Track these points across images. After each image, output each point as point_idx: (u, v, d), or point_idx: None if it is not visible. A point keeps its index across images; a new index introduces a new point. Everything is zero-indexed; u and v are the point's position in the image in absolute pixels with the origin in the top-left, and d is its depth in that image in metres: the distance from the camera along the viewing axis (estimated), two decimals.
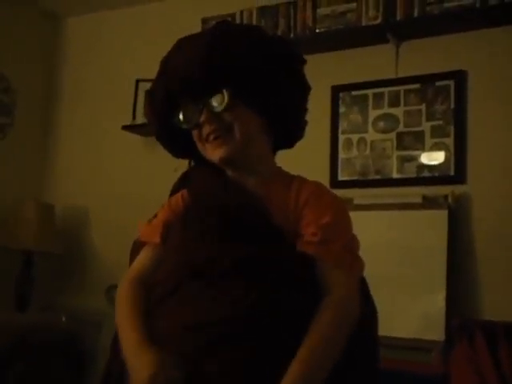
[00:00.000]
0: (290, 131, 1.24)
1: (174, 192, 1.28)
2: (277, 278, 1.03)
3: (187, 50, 1.15)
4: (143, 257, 1.19)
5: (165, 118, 1.18)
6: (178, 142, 1.22)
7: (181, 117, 1.15)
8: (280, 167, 1.25)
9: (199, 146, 1.17)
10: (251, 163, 1.17)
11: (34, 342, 2.62)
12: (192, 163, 1.33)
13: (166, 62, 1.19)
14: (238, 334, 0.98)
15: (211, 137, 1.13)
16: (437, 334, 2.44)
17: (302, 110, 1.23)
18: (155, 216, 1.25)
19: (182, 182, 1.28)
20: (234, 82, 1.11)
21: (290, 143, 1.28)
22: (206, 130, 1.13)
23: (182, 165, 3.60)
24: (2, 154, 3.57)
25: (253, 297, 1.00)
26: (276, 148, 1.25)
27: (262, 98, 1.14)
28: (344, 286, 1.07)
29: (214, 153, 1.14)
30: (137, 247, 1.25)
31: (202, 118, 1.13)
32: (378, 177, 2.89)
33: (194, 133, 1.17)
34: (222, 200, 1.14)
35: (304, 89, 1.22)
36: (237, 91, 1.11)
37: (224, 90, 1.10)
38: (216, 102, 1.11)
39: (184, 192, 1.22)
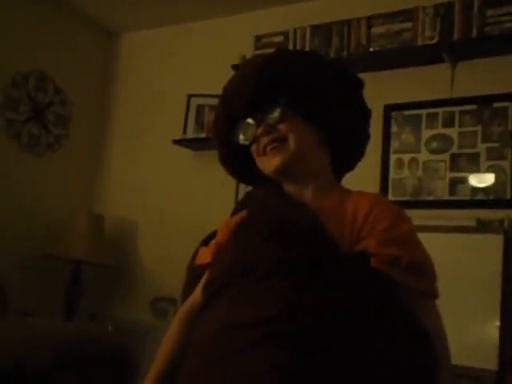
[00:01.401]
0: (346, 151, 1.24)
1: (235, 212, 1.29)
2: (321, 279, 1.01)
3: (244, 70, 1.21)
4: (198, 290, 1.19)
5: (226, 138, 1.23)
6: (241, 165, 1.26)
7: (240, 134, 1.19)
8: (339, 183, 1.25)
9: (258, 161, 1.20)
10: (307, 175, 1.18)
11: (80, 351, 2.65)
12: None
13: (226, 84, 1.24)
14: (280, 333, 0.95)
15: (268, 148, 1.16)
16: (490, 362, 2.35)
17: (361, 131, 1.24)
18: (210, 236, 1.27)
19: (243, 202, 1.29)
20: (289, 95, 1.15)
21: (349, 165, 1.28)
22: (264, 141, 1.16)
23: (231, 179, 3.59)
24: (57, 164, 3.67)
25: (295, 296, 0.98)
26: (337, 169, 1.25)
27: (316, 111, 1.16)
28: (440, 324, 1.07)
29: (270, 163, 1.17)
30: (192, 271, 1.27)
31: (259, 131, 1.16)
32: (429, 198, 2.83)
33: (253, 148, 1.19)
34: (276, 212, 1.14)
35: (362, 110, 1.23)
36: (292, 103, 1.14)
37: (277, 103, 1.14)
38: (270, 115, 1.15)
39: (243, 212, 1.22)
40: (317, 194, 1.16)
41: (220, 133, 1.25)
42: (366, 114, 1.24)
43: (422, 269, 1.06)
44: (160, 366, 1.16)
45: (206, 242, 1.28)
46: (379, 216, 1.08)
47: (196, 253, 1.29)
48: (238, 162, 1.26)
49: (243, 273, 1.05)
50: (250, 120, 1.17)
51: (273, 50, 2.42)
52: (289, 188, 1.20)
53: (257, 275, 1.03)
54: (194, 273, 1.25)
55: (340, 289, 1.00)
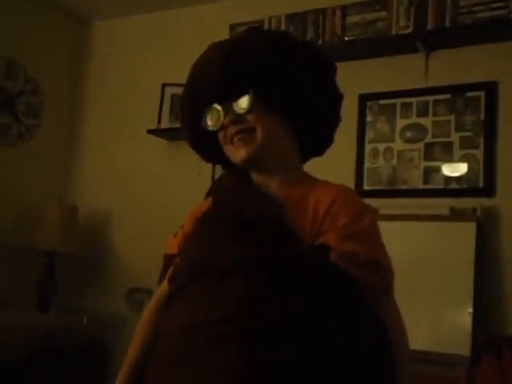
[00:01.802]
0: (316, 137, 1.23)
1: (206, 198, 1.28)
2: (279, 278, 1.00)
3: (210, 54, 1.17)
4: (165, 281, 1.19)
5: (193, 123, 1.20)
6: (209, 147, 1.24)
7: (208, 120, 1.17)
8: (306, 172, 1.23)
9: (225, 148, 1.19)
10: (274, 165, 1.17)
11: (55, 343, 2.62)
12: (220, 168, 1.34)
13: (193, 68, 1.21)
14: (235, 333, 0.95)
15: (235, 138, 1.15)
16: (463, 348, 2.38)
17: (331, 117, 1.22)
18: (182, 226, 1.26)
19: (212, 190, 1.28)
20: (258, 84, 1.12)
21: (318, 150, 1.27)
22: (231, 131, 1.15)
23: (206, 169, 3.60)
24: (29, 155, 3.61)
25: (252, 296, 0.98)
26: (305, 154, 1.24)
27: (286, 101, 1.14)
28: (398, 319, 1.08)
29: (237, 154, 1.16)
30: (166, 261, 1.26)
31: (226, 120, 1.14)
32: (404, 187, 2.85)
33: (220, 135, 1.18)
34: (240, 203, 1.14)
35: (333, 96, 1.21)
36: (261, 94, 1.12)
37: (247, 93, 1.12)
38: (240, 104, 1.13)
39: (209, 200, 1.21)
40: (283, 184, 1.16)
41: (186, 116, 1.23)
42: (337, 98, 1.21)
43: (379, 265, 1.06)
44: (133, 355, 1.17)
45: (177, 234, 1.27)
46: (340, 210, 1.08)
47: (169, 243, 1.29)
48: (206, 145, 1.24)
49: (204, 271, 1.05)
50: (217, 106, 1.14)
51: None
52: (255, 177, 1.19)
53: (217, 274, 1.02)
54: (165, 262, 1.25)
55: (297, 287, 0.99)
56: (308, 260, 1.03)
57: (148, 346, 1.14)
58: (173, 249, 1.21)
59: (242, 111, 1.12)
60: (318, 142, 1.24)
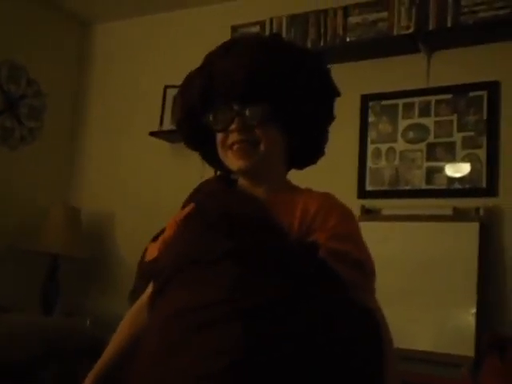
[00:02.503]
0: (307, 154, 1.26)
1: (184, 206, 1.28)
2: (265, 266, 1.03)
3: (238, 55, 1.15)
4: (148, 289, 1.20)
5: (194, 113, 1.19)
6: (198, 137, 1.24)
7: (211, 117, 1.16)
8: (289, 180, 1.26)
9: (220, 150, 1.18)
10: (265, 174, 1.19)
11: (59, 345, 2.63)
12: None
13: (212, 60, 1.19)
14: (220, 317, 0.97)
15: (235, 146, 1.15)
16: (467, 348, 2.38)
17: (325, 133, 1.25)
18: (161, 232, 1.27)
19: (194, 195, 1.28)
20: (274, 97, 1.13)
21: (302, 164, 1.29)
22: (234, 137, 1.14)
23: (209, 172, 3.59)
24: (32, 157, 3.61)
25: (244, 277, 1.00)
26: (293, 163, 1.26)
27: (294, 118, 1.16)
28: (380, 315, 1.10)
29: (234, 162, 1.16)
30: (143, 267, 1.28)
31: (233, 126, 1.13)
32: (407, 187, 2.85)
33: (219, 136, 1.17)
34: (223, 205, 1.15)
35: (330, 117, 1.24)
36: (274, 110, 1.13)
37: (263, 104, 1.12)
38: (251, 114, 1.12)
39: (192, 205, 1.22)
40: (269, 190, 1.18)
41: (189, 103, 1.20)
42: (332, 120, 1.24)
43: (364, 266, 1.11)
44: (107, 357, 1.20)
45: (155, 239, 1.27)
46: (328, 213, 1.12)
47: (146, 250, 1.28)
48: (197, 137, 1.24)
49: (190, 261, 1.07)
50: (227, 107, 1.13)
51: None
52: (242, 181, 1.21)
53: (204, 263, 1.05)
54: (142, 269, 1.26)
55: (285, 275, 1.02)
56: (297, 252, 1.06)
57: (124, 348, 1.17)
58: (152, 254, 1.22)
59: (253, 122, 1.13)
60: (310, 152, 1.26)
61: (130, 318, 1.22)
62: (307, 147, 1.23)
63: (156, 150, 3.55)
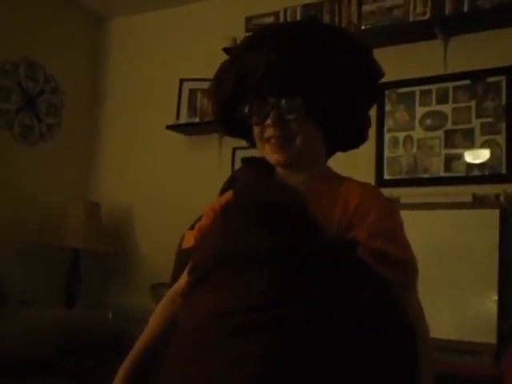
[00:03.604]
0: (348, 141, 1.23)
1: (221, 193, 1.28)
2: (303, 268, 1.01)
3: (272, 45, 1.11)
4: (184, 275, 1.20)
5: (229, 104, 1.18)
6: (236, 128, 1.23)
7: (246, 110, 1.14)
8: (331, 168, 1.23)
9: (258, 142, 1.17)
10: (304, 164, 1.17)
11: (82, 338, 2.66)
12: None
13: (245, 50, 1.16)
14: (262, 322, 0.95)
15: (272, 140, 1.13)
16: (489, 336, 2.36)
17: (367, 122, 1.22)
18: (199, 219, 1.26)
19: (229, 184, 1.28)
20: (309, 93, 1.10)
21: (345, 148, 1.26)
22: (269, 132, 1.13)
23: (226, 164, 3.59)
24: (51, 153, 3.65)
25: (278, 286, 0.98)
26: (331, 149, 1.24)
27: (330, 112, 1.13)
28: (421, 314, 1.08)
29: (272, 155, 1.15)
30: (180, 255, 1.27)
31: (269, 121, 1.12)
32: (425, 175, 2.83)
33: (256, 129, 1.16)
34: (262, 196, 1.14)
35: (371, 99, 1.21)
36: (310, 103, 1.10)
37: (297, 98, 1.09)
38: (286, 108, 1.10)
39: (229, 194, 1.21)
40: (308, 178, 1.16)
41: (223, 96, 1.19)
42: (374, 103, 1.22)
43: (407, 264, 1.08)
44: (141, 346, 1.18)
45: (193, 226, 1.27)
46: (371, 207, 1.09)
47: (183, 237, 1.28)
48: (235, 126, 1.22)
49: (227, 260, 1.05)
50: (262, 100, 1.11)
51: None
52: (280, 170, 1.19)
53: (240, 263, 1.03)
54: (180, 257, 1.25)
55: (323, 277, 1.00)
56: (334, 252, 1.04)
57: (158, 339, 1.16)
58: (189, 242, 1.21)
59: (289, 117, 1.10)
60: (349, 139, 1.23)
61: (165, 304, 1.21)
62: (347, 133, 1.20)
63: (173, 144, 3.57)
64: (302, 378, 0.91)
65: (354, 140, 1.23)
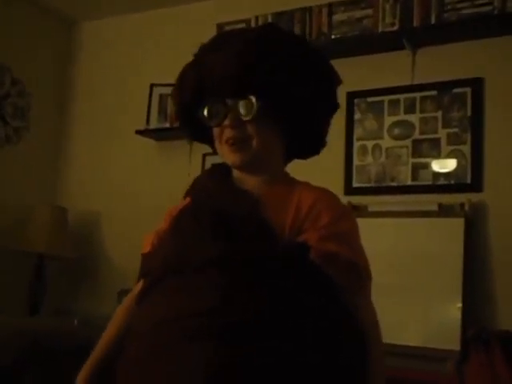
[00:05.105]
0: (307, 147, 1.24)
1: (184, 198, 1.29)
2: (254, 274, 1.01)
3: (229, 47, 1.13)
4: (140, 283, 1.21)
5: (190, 108, 1.19)
6: (198, 132, 1.24)
7: (205, 113, 1.15)
8: (287, 173, 1.24)
9: (217, 143, 1.19)
10: (260, 168, 1.18)
11: (46, 346, 2.61)
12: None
13: (203, 53, 1.18)
14: (205, 329, 0.96)
15: (230, 141, 1.15)
16: (452, 343, 2.40)
17: (326, 129, 1.23)
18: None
19: (191, 189, 1.28)
20: (267, 94, 1.11)
21: (304, 155, 1.27)
22: (227, 133, 1.14)
23: (196, 169, 3.58)
24: (17, 157, 3.59)
25: (228, 291, 0.99)
26: (290, 155, 1.25)
27: (288, 115, 1.14)
28: (374, 320, 1.10)
29: (229, 156, 1.16)
30: (142, 260, 1.27)
31: (226, 122, 1.13)
32: (393, 184, 2.87)
33: (215, 130, 1.17)
34: (216, 202, 1.15)
35: (333, 110, 1.22)
36: (267, 104, 1.11)
37: (254, 99, 1.10)
38: (243, 109, 1.11)
39: (188, 199, 1.23)
40: (264, 182, 1.16)
41: (183, 100, 1.20)
42: (334, 109, 1.22)
43: (358, 267, 1.08)
44: (99, 352, 1.19)
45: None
46: (323, 210, 1.09)
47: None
48: (197, 130, 1.23)
49: (179, 265, 1.06)
50: (220, 103, 1.13)
51: None
52: (237, 173, 1.20)
53: (190, 270, 1.04)
54: (141, 262, 1.26)
55: (272, 283, 1.00)
56: (284, 256, 1.04)
57: (117, 344, 1.17)
58: (146, 247, 1.22)
59: (245, 118, 1.11)
60: (308, 145, 1.24)
61: (123, 310, 1.22)
62: (307, 138, 1.21)
63: (143, 149, 3.55)
64: None
65: (312, 145, 1.24)
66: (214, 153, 1.25)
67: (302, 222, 1.08)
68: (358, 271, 1.08)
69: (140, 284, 1.17)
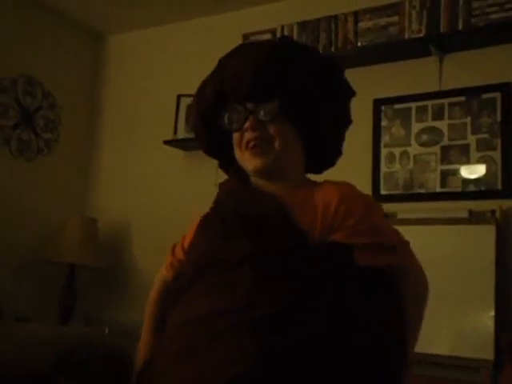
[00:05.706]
0: (325, 149, 1.26)
1: None
2: (283, 270, 1.03)
3: (246, 54, 1.18)
4: (163, 269, 1.34)
5: (209, 117, 1.21)
6: (215, 143, 1.25)
7: (226, 118, 1.17)
8: (308, 178, 1.26)
9: (237, 151, 1.19)
10: (282, 174, 1.18)
11: (77, 355, 2.64)
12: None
13: (222, 63, 1.22)
14: (237, 325, 0.98)
15: (251, 144, 1.15)
16: (485, 352, 2.36)
17: (340, 138, 1.26)
18: None
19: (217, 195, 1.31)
20: (285, 96, 1.14)
21: (328, 161, 1.29)
22: (248, 136, 1.15)
23: (223, 179, 3.59)
24: (48, 169, 3.66)
25: (254, 289, 1.01)
26: (313, 164, 1.27)
27: (307, 118, 1.16)
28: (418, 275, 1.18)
29: (250, 161, 1.17)
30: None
31: (247, 124, 1.15)
32: (421, 191, 2.84)
33: (235, 136, 1.18)
34: (243, 203, 1.16)
35: (347, 120, 1.25)
36: (286, 105, 1.13)
37: (275, 100, 1.13)
38: (264, 111, 1.13)
39: (212, 206, 1.25)
40: (286, 189, 1.17)
41: (204, 108, 1.22)
42: (348, 122, 1.25)
43: (394, 245, 1.11)
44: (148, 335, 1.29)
45: None
46: (350, 209, 1.10)
47: (174, 247, 1.35)
48: (214, 140, 1.25)
49: (210, 266, 1.08)
50: (240, 107, 1.15)
51: None
52: (258, 181, 1.20)
53: (223, 268, 1.06)
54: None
55: (306, 278, 1.02)
56: (318, 252, 1.06)
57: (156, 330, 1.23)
58: (177, 253, 1.29)
59: (266, 118, 1.13)
60: (326, 153, 1.26)
61: (154, 302, 1.34)
62: (322, 147, 1.23)
63: (170, 159, 3.58)
64: (280, 377, 0.94)
65: (329, 154, 1.26)
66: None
67: (332, 222, 1.09)
68: (394, 248, 1.11)
69: (164, 276, 1.28)
